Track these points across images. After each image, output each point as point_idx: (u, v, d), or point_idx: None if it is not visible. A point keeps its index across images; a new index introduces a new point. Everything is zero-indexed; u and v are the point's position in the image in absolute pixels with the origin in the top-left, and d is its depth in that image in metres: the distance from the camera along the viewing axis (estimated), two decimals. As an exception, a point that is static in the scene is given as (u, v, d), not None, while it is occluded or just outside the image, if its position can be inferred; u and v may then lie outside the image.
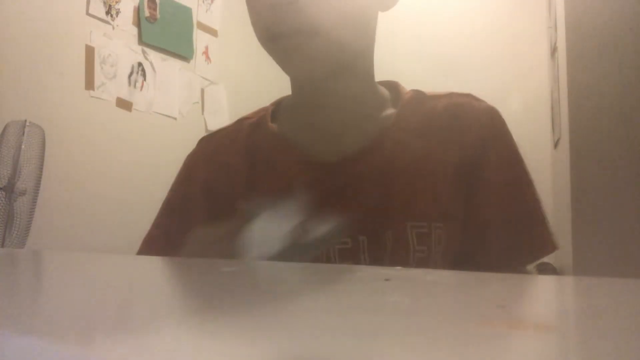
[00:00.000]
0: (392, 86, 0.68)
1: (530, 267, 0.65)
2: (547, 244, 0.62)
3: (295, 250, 0.48)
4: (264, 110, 0.70)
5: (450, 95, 0.66)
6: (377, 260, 0.59)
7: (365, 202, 0.61)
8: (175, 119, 2.51)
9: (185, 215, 0.68)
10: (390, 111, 0.65)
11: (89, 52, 2.14)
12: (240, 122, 0.71)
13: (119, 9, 2.26)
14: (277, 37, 0.58)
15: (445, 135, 0.62)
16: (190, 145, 0.73)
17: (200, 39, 2.67)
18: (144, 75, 2.36)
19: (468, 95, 0.66)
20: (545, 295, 0.30)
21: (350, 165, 0.62)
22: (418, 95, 0.66)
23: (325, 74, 0.61)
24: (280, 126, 0.68)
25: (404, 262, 0.58)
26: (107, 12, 2.22)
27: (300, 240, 0.49)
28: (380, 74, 0.68)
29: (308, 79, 0.63)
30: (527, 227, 0.62)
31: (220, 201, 0.66)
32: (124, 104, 2.27)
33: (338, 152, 0.63)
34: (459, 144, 0.62)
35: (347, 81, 0.63)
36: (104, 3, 2.21)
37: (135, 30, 2.34)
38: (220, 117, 2.73)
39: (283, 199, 0.51)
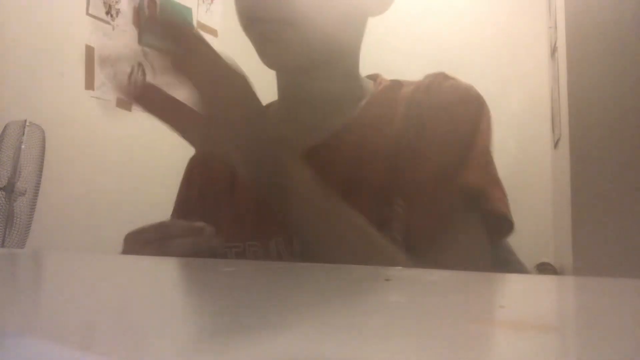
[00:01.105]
0: (373, 79, 0.66)
1: (531, 267, 0.62)
2: (498, 223, 0.56)
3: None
4: None
5: (424, 77, 0.62)
6: None
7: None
8: (175, 119, 2.50)
9: (187, 217, 0.68)
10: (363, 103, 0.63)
11: (89, 52, 2.14)
12: None
13: (119, 9, 2.26)
14: (254, 22, 0.56)
15: (407, 120, 0.59)
16: (190, 146, 0.73)
17: (200, 39, 2.67)
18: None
19: (438, 75, 0.61)
20: (545, 295, 0.30)
21: (310, 158, 0.60)
22: (393, 84, 0.64)
23: (299, 67, 0.59)
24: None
25: None
26: (107, 12, 2.22)
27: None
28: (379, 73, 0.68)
29: (282, 70, 0.62)
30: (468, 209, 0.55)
31: (208, 208, 0.66)
32: (124, 104, 2.27)
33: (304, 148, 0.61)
34: (397, 123, 0.59)
35: (326, 77, 0.61)
36: (104, 3, 2.20)
37: (135, 30, 2.34)
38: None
39: None
